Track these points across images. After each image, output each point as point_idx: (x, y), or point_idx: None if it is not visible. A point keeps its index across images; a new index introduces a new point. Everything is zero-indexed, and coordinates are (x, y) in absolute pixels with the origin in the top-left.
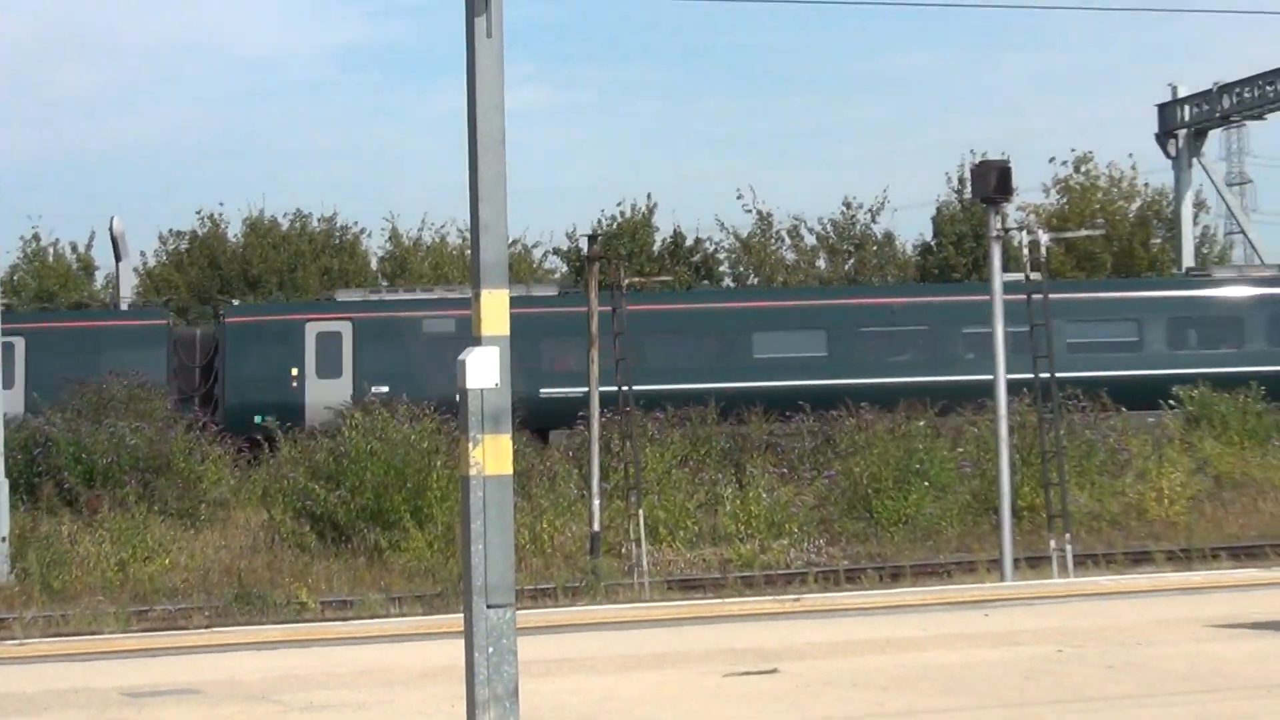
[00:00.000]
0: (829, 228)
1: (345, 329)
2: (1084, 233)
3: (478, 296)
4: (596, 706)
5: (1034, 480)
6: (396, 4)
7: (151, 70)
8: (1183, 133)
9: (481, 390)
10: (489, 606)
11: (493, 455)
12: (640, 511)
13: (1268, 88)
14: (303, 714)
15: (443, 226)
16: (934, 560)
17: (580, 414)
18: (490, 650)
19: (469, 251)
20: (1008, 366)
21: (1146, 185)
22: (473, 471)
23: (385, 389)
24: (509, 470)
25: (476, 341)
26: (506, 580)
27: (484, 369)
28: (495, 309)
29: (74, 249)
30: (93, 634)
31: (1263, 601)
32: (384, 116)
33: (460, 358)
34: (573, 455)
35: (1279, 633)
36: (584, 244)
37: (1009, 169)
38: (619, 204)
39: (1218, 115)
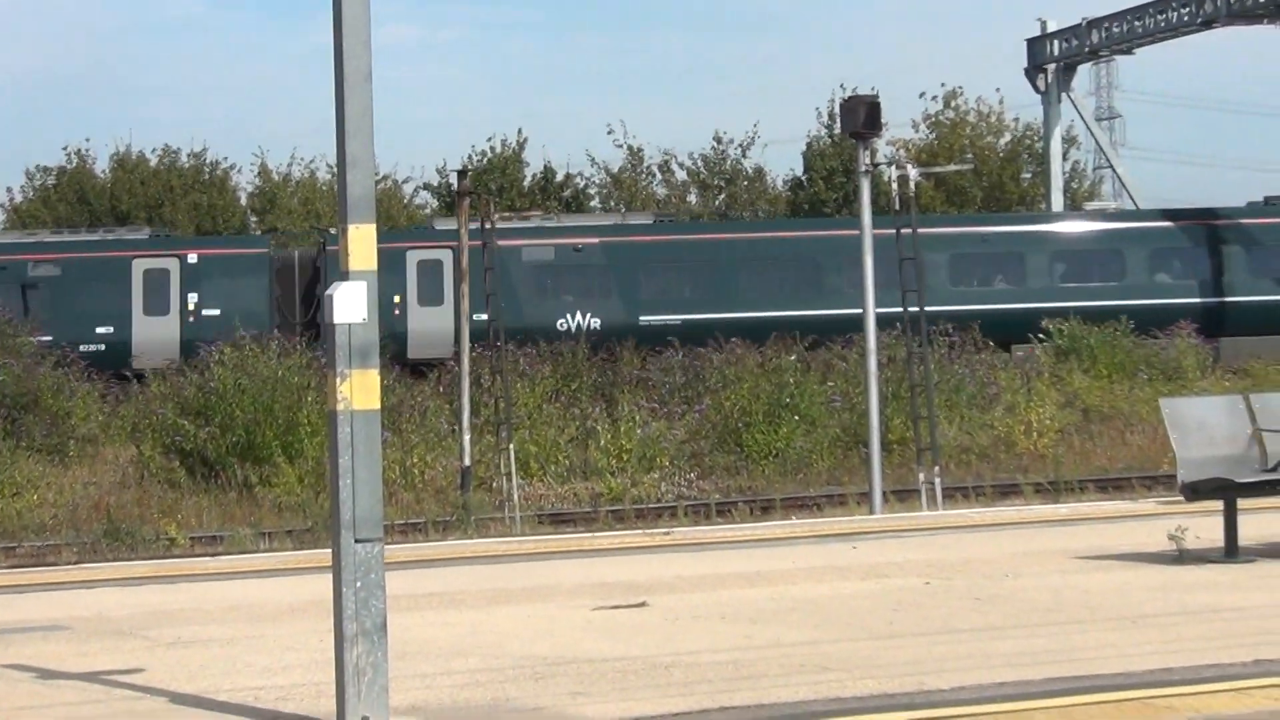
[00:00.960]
0: (700, 163)
1: (446, 257)
2: (953, 168)
3: (344, 231)
4: (465, 640)
5: (903, 414)
6: None
7: (19, 4)
8: (1051, 68)
9: (349, 325)
10: (357, 541)
11: (360, 390)
12: (511, 446)
13: (1136, 22)
14: (170, 649)
15: (312, 162)
16: (804, 494)
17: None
18: (358, 585)
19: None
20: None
21: (1016, 120)
22: (340, 406)
23: (484, 317)
24: (377, 405)
25: (344, 276)
26: (374, 515)
27: (351, 303)
28: (363, 244)
29: None
30: None
31: (1128, 533)
32: (255, 53)
33: (327, 292)
34: (444, 390)
35: (1143, 564)
36: (454, 179)
37: (878, 104)
38: (489, 139)
39: (1086, 50)
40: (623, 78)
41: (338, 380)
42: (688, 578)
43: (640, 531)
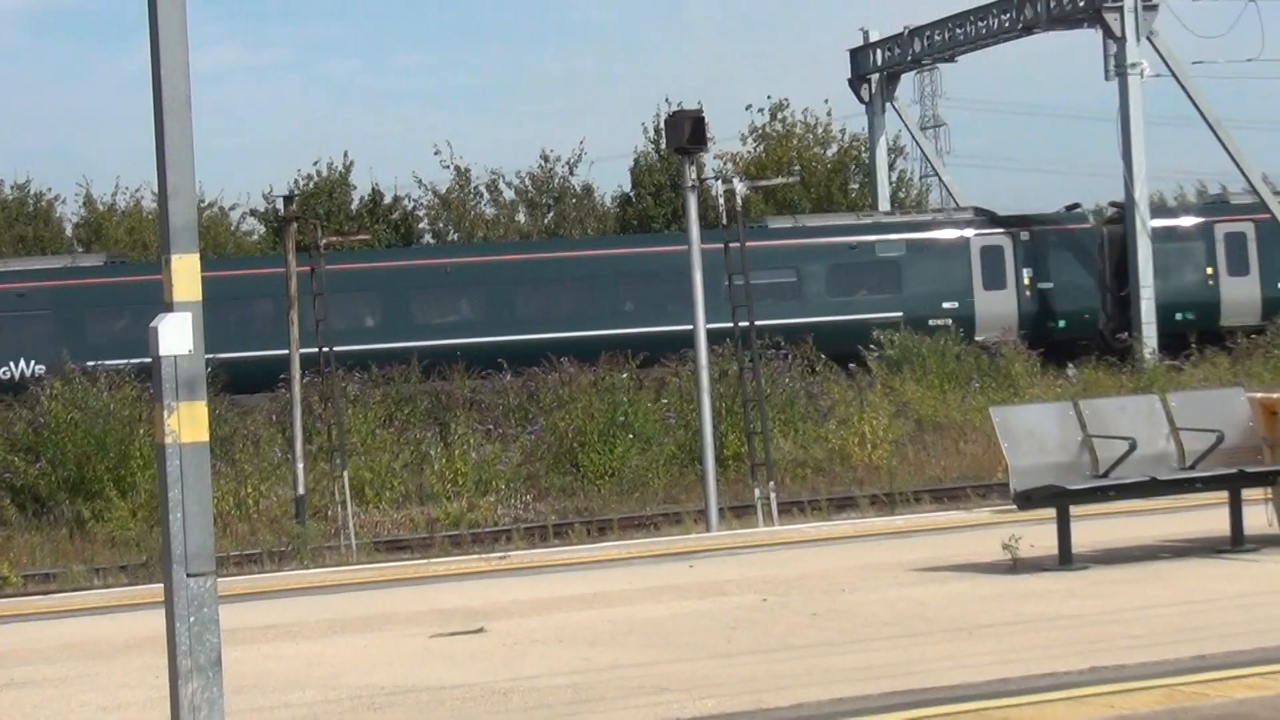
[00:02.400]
0: (527, 181)
1: (1248, 229)
2: (780, 180)
3: (168, 262)
4: (302, 672)
5: (738, 429)
6: None
7: None
8: (875, 77)
9: (175, 357)
10: (189, 575)
11: (188, 422)
12: (345, 473)
13: (957, 30)
14: (2, 691)
15: (138, 190)
16: (641, 513)
17: None
18: (192, 620)
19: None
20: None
21: (843, 131)
22: (168, 440)
23: None
24: (205, 437)
25: (169, 307)
26: (206, 548)
27: (177, 335)
28: (186, 274)
29: None
30: None
31: (963, 544)
32: (74, 80)
33: (152, 325)
34: (276, 419)
35: (979, 574)
36: (280, 204)
37: (703, 119)
38: (315, 163)
39: (909, 59)
40: (448, 97)
41: (165, 413)
42: (525, 602)
43: (477, 556)
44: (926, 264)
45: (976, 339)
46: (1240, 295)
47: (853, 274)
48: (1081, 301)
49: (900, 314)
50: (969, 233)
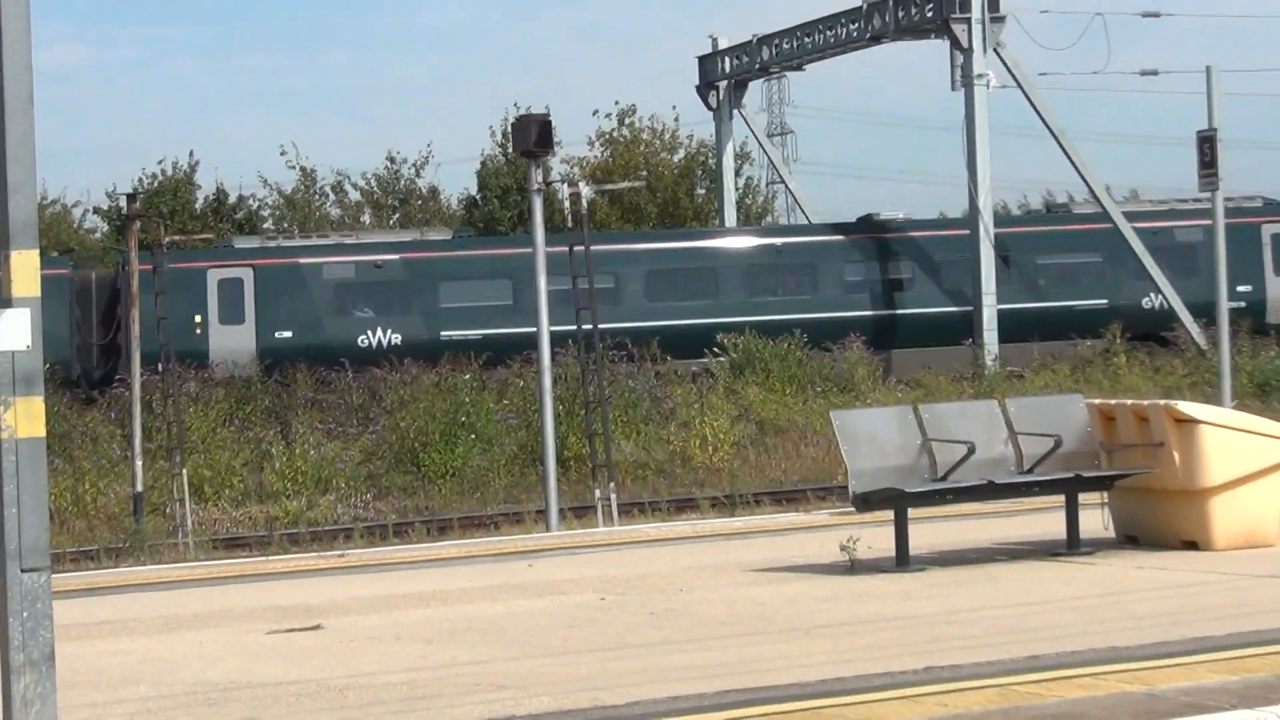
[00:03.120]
0: (373, 183)
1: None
2: (625, 185)
3: (7, 258)
4: (137, 667)
5: (580, 430)
6: None
7: None
8: (723, 84)
9: (13, 353)
10: (23, 570)
11: (25, 418)
12: (184, 471)
13: (806, 39)
14: None
15: None
16: (482, 512)
17: None
18: (25, 615)
19: None
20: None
21: (691, 137)
22: (4, 435)
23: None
24: (42, 433)
25: (7, 303)
26: (41, 543)
27: (15, 331)
28: (25, 270)
29: None
30: None
31: (802, 545)
32: None
33: None
34: (116, 416)
35: (817, 575)
36: (124, 203)
37: (549, 123)
38: (160, 162)
39: (757, 67)
40: (294, 98)
41: (1, 409)
42: (364, 599)
43: (316, 554)
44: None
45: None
46: None
47: None
48: None
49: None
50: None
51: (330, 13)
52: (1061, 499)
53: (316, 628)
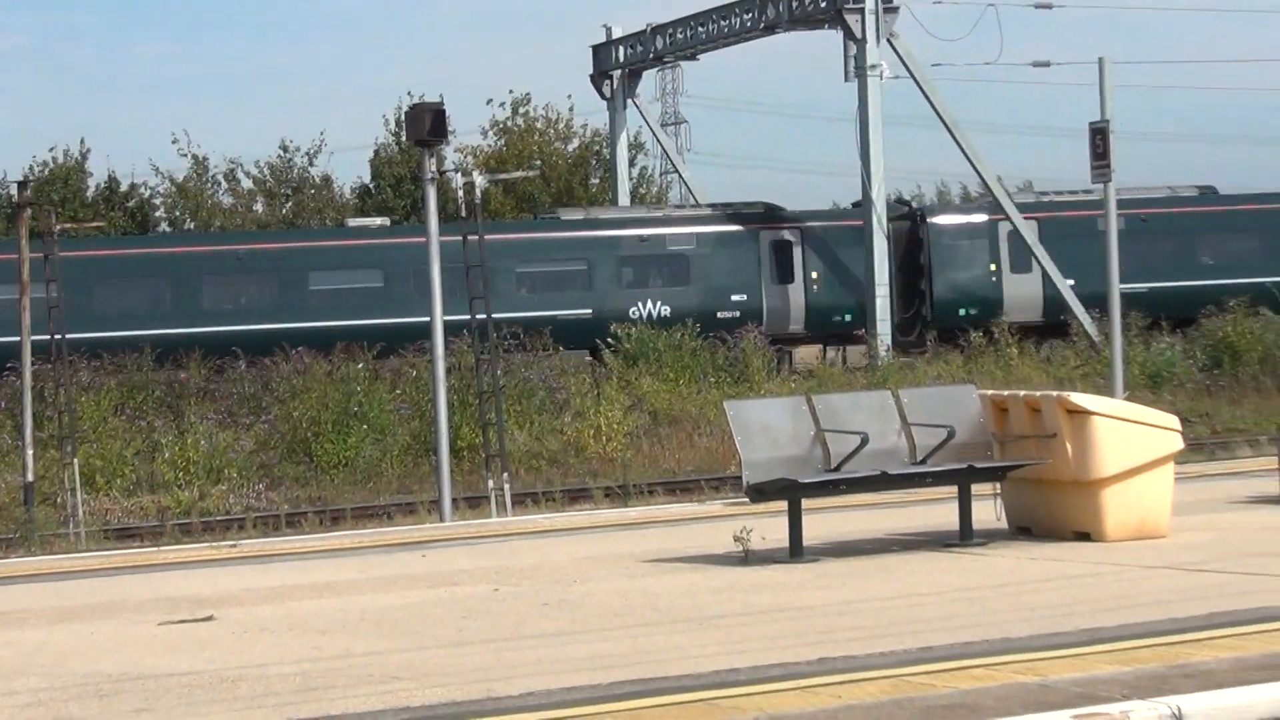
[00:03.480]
0: (266, 171)
1: None
2: (519, 174)
3: None
4: (27, 659)
5: (473, 420)
6: None
7: None
8: (617, 74)
9: None
10: None
11: None
12: (75, 460)
13: (699, 28)
14: None
15: None
16: (374, 503)
17: None
18: None
19: None
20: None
21: (585, 126)
22: None
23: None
24: None
25: None
26: None
27: None
28: None
29: None
30: None
31: (696, 535)
32: None
33: None
34: (5, 405)
35: (710, 566)
36: (14, 190)
37: (443, 112)
38: (51, 150)
39: (651, 56)
40: (186, 85)
41: None
42: (256, 590)
43: (208, 545)
44: None
45: None
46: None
47: None
48: None
49: None
50: None
51: (222, 0)
52: (954, 490)
53: (209, 619)
